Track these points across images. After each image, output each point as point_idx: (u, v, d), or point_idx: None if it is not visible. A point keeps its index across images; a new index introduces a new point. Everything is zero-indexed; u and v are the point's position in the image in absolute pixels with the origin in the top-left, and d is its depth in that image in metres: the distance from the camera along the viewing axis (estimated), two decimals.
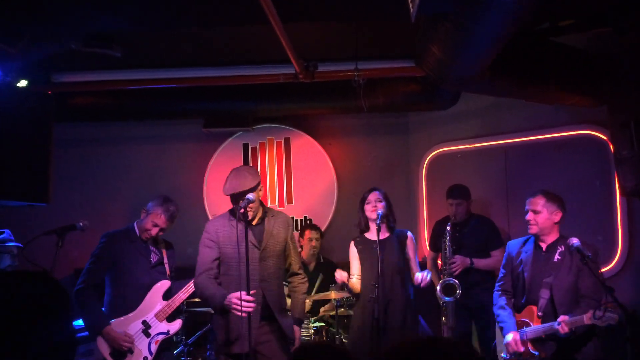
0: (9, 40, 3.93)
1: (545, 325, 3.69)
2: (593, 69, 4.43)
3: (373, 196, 4.23)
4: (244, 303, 3.41)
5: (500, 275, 4.07)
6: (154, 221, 3.99)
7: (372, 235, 4.21)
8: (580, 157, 4.98)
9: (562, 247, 3.80)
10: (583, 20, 4.25)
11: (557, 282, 3.74)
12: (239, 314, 3.43)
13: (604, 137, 4.79)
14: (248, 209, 3.61)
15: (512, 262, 3.99)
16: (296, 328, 3.82)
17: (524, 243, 3.98)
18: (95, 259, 3.98)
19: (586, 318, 3.45)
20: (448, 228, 4.81)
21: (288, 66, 4.54)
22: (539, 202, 3.80)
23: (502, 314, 3.94)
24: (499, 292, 4.03)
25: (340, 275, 4.13)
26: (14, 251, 4.24)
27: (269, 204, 5.95)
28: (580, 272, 3.69)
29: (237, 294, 3.46)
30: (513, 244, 4.06)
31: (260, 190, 3.76)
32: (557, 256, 3.78)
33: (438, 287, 4.56)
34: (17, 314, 1.30)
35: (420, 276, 4.09)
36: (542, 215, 3.80)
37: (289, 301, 4.05)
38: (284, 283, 3.98)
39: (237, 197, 3.63)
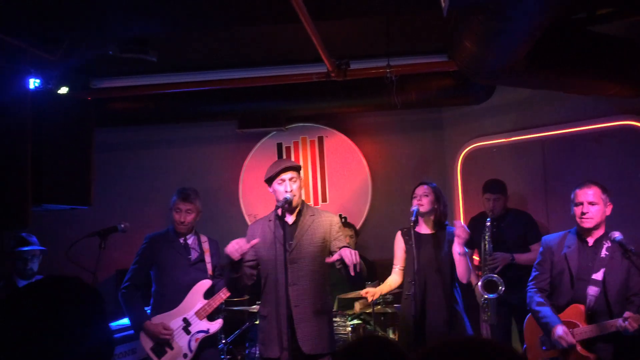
0: (48, 48, 4.05)
1: (605, 323, 3.40)
2: (633, 58, 4.30)
3: (420, 190, 4.12)
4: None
5: (535, 273, 3.78)
6: (175, 208, 4.13)
7: (420, 228, 4.15)
8: (620, 149, 4.85)
9: (609, 242, 3.54)
10: (622, 8, 4.14)
11: (611, 278, 3.48)
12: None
13: None
14: (291, 192, 3.48)
15: (551, 258, 3.70)
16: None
17: (564, 237, 3.71)
18: (137, 260, 4.16)
19: None
20: (488, 224, 4.71)
21: (320, 65, 4.55)
22: (595, 193, 3.54)
23: (542, 309, 3.62)
24: (534, 290, 3.74)
25: (371, 293, 4.04)
26: (37, 254, 4.41)
27: None
28: (630, 269, 3.47)
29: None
30: (551, 240, 3.77)
31: (302, 182, 3.65)
32: (604, 251, 3.52)
33: (479, 284, 4.47)
34: (51, 320, 1.32)
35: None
36: (598, 207, 3.53)
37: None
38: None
39: (277, 175, 3.56)
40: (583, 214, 3.54)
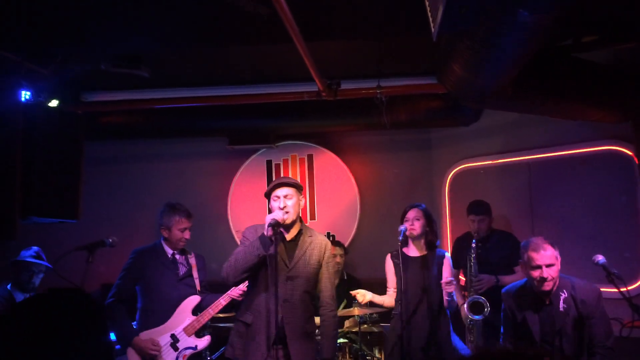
0: (41, 61, 4.07)
1: None
2: (617, 84, 4.40)
3: (412, 214, 4.19)
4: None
5: (503, 328, 3.72)
6: (180, 227, 4.12)
7: (408, 250, 4.21)
8: (605, 173, 4.93)
9: (565, 292, 3.43)
10: (606, 36, 4.25)
11: (567, 335, 3.41)
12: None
13: (630, 153, 4.74)
14: (285, 210, 3.48)
15: (514, 315, 3.60)
16: None
17: (522, 293, 3.59)
18: (124, 274, 4.11)
19: None
20: (473, 245, 4.75)
21: (311, 84, 4.60)
22: (551, 254, 3.39)
23: None
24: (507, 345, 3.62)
25: (362, 296, 4.08)
26: (43, 270, 4.40)
27: None
28: (589, 318, 3.38)
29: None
30: (510, 295, 3.65)
31: (301, 200, 3.63)
32: (562, 304, 3.41)
33: (465, 306, 4.49)
34: (54, 332, 1.34)
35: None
36: (555, 267, 3.40)
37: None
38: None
39: (271, 191, 3.57)
40: (543, 279, 3.38)
